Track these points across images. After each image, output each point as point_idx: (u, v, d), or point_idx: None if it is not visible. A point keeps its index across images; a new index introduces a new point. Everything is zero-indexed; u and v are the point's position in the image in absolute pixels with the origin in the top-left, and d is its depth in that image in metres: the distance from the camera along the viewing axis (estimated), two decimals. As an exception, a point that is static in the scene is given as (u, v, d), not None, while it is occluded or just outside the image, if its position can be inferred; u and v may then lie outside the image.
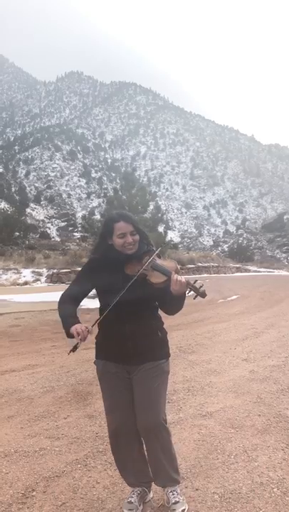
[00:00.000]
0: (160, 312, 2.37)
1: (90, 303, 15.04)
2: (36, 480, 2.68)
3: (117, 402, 2.33)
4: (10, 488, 2.60)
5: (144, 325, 2.27)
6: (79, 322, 2.18)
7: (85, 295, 2.38)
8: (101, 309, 2.33)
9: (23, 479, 2.70)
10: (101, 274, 2.29)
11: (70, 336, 2.16)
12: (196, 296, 2.11)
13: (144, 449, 2.38)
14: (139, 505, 2.36)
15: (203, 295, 2.10)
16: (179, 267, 2.25)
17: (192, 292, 2.12)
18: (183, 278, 2.09)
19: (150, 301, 2.29)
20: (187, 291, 2.11)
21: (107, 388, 2.37)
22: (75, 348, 2.18)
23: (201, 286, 2.09)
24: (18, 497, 2.50)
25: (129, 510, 2.33)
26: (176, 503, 2.28)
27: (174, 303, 2.21)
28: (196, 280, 2.11)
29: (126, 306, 2.18)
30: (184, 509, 2.27)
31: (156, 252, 2.27)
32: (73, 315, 2.25)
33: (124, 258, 2.28)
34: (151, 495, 2.46)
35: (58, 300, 2.36)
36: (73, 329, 2.12)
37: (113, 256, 2.29)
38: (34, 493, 2.54)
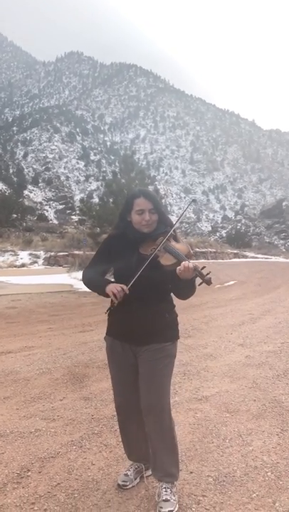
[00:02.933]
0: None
1: (87, 286, 14.89)
2: (31, 460, 2.69)
3: (121, 380, 2.34)
4: (5, 468, 2.61)
5: (153, 306, 2.22)
6: (112, 282, 2.18)
7: (106, 270, 2.36)
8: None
9: (19, 459, 2.71)
10: (117, 250, 2.28)
11: (105, 296, 2.16)
12: (201, 283, 2.08)
13: None
14: (134, 479, 2.41)
15: (208, 282, 2.05)
16: (192, 251, 2.20)
17: (198, 278, 2.08)
18: (191, 264, 2.03)
19: (160, 282, 2.23)
20: (194, 276, 2.07)
21: (113, 367, 2.38)
22: (112, 307, 2.19)
23: (207, 274, 2.05)
24: (13, 477, 2.51)
25: (123, 481, 2.38)
26: (166, 500, 2.16)
27: (183, 287, 2.15)
28: (204, 266, 2.06)
29: (136, 285, 2.14)
30: (172, 510, 2.14)
31: (170, 232, 2.21)
32: (103, 278, 2.26)
33: (140, 236, 2.24)
34: (149, 472, 2.46)
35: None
36: (108, 289, 2.12)
37: (130, 233, 2.27)
38: (29, 473, 2.55)
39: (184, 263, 2.03)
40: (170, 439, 2.29)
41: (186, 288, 2.16)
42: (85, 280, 2.35)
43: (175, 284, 2.16)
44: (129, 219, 2.28)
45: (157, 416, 2.24)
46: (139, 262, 2.15)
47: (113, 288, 2.11)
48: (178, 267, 2.04)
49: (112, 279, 2.28)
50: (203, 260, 35.53)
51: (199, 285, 2.10)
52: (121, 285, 2.11)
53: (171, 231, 2.22)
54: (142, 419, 2.34)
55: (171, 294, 2.31)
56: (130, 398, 2.33)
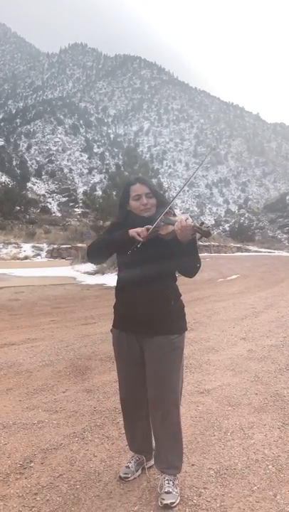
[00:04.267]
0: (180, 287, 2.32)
1: (89, 279, 15.05)
2: (34, 452, 2.71)
3: (127, 374, 2.34)
4: (8, 458, 2.63)
5: (156, 291, 2.20)
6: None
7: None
8: (119, 271, 2.34)
9: (21, 450, 2.73)
10: None
11: (127, 239, 2.14)
12: (200, 237, 2.04)
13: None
14: (136, 471, 2.42)
15: (207, 234, 2.00)
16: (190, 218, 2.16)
17: (198, 235, 2.04)
18: (189, 220, 2.02)
19: (163, 259, 2.17)
20: (192, 234, 2.04)
21: (119, 360, 2.37)
22: (135, 248, 2.14)
23: (206, 226, 2.00)
24: (16, 467, 2.53)
25: (125, 474, 2.39)
26: (168, 492, 2.17)
27: (186, 254, 2.10)
28: (203, 222, 2.03)
29: (138, 268, 2.14)
30: (174, 502, 2.14)
31: (169, 205, 2.22)
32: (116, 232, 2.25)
33: (141, 221, 2.22)
34: (152, 462, 2.47)
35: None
36: (132, 231, 2.13)
37: (131, 219, 2.27)
38: (32, 464, 2.57)
39: (181, 220, 2.01)
40: (176, 433, 2.28)
41: (189, 254, 2.11)
42: (94, 247, 2.32)
43: (178, 253, 2.10)
44: (128, 208, 2.32)
45: (165, 412, 2.22)
46: (141, 244, 2.13)
47: (134, 230, 2.12)
48: (176, 224, 2.03)
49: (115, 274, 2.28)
50: (206, 254, 35.50)
51: (199, 239, 2.07)
52: (141, 228, 2.12)
53: (168, 207, 2.20)
54: (147, 412, 2.34)
55: (176, 278, 2.31)
56: (136, 393, 2.32)
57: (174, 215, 2.24)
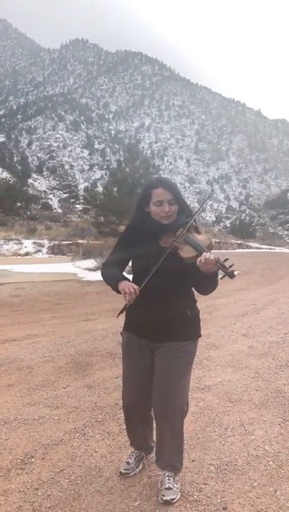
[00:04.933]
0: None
1: (90, 275, 15.02)
2: (35, 447, 2.72)
3: (133, 379, 2.27)
4: (9, 454, 2.63)
5: (172, 301, 2.12)
6: (126, 279, 2.10)
7: (126, 261, 2.27)
8: (134, 278, 2.20)
9: (22, 446, 2.73)
10: (136, 242, 2.18)
11: (118, 292, 2.09)
12: (223, 276, 1.96)
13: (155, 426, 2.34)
14: (136, 467, 2.42)
15: (231, 275, 1.92)
16: (213, 242, 2.08)
17: (221, 271, 1.95)
18: (212, 256, 1.91)
19: (180, 276, 2.10)
20: (215, 270, 1.95)
21: (127, 364, 2.31)
22: (124, 310, 2.12)
23: (230, 266, 1.92)
24: (17, 463, 2.53)
25: (126, 470, 2.39)
26: (168, 488, 2.16)
27: (205, 281, 2.04)
28: (227, 258, 1.93)
29: (155, 279, 2.04)
30: (174, 498, 2.14)
31: (190, 223, 2.09)
32: (119, 274, 2.17)
33: (159, 228, 2.14)
34: (151, 455, 2.47)
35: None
36: (121, 287, 2.04)
37: (149, 225, 2.16)
38: (33, 459, 2.57)
39: (205, 255, 1.92)
40: (179, 437, 2.25)
41: (208, 282, 2.05)
42: (102, 273, 2.28)
43: (196, 277, 2.04)
44: (147, 210, 2.17)
45: (170, 417, 2.19)
46: (158, 255, 2.05)
47: (126, 287, 2.01)
48: (198, 259, 1.93)
49: (130, 276, 2.21)
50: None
51: (222, 278, 1.99)
52: (134, 286, 2.02)
53: (191, 221, 2.10)
54: (150, 415, 2.33)
55: (192, 288, 2.21)
56: (141, 396, 2.26)
57: (198, 231, 2.13)
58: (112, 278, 2.16)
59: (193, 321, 2.23)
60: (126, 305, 2.07)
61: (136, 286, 2.02)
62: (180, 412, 2.21)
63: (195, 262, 1.96)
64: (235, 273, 1.97)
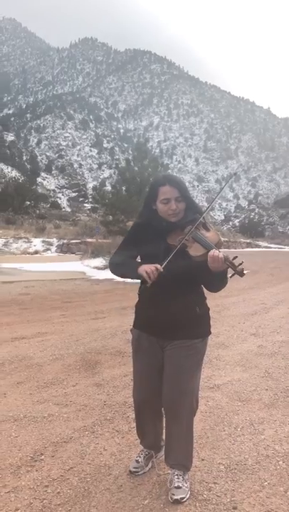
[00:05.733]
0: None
1: (99, 274, 15.06)
2: (45, 445, 2.73)
3: (144, 376, 2.26)
4: (19, 451, 2.64)
5: (181, 298, 2.11)
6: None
7: (134, 258, 2.23)
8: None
9: (32, 443, 2.74)
10: (144, 239, 2.16)
11: (138, 278, 2.05)
12: (233, 274, 1.94)
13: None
14: (146, 466, 2.41)
15: (241, 274, 1.91)
16: (222, 239, 2.06)
17: (230, 269, 1.94)
18: (221, 254, 1.90)
19: (189, 273, 2.07)
20: (224, 268, 1.93)
21: (138, 362, 2.29)
22: (143, 287, 2.08)
23: (240, 264, 1.90)
24: (27, 460, 2.54)
25: (135, 468, 2.39)
26: (178, 488, 2.15)
27: (214, 279, 2.02)
28: (236, 256, 1.90)
29: (163, 276, 2.00)
30: (184, 497, 2.12)
31: (199, 220, 2.06)
32: (134, 260, 2.15)
33: (166, 226, 2.12)
34: (161, 454, 2.46)
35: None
36: (142, 269, 1.99)
37: (156, 222, 2.14)
38: (42, 457, 2.58)
39: (214, 252, 1.91)
40: (188, 435, 2.24)
41: (217, 280, 2.04)
42: (113, 266, 2.24)
43: (205, 275, 2.02)
44: (154, 207, 2.15)
45: (179, 415, 2.18)
46: (166, 253, 2.02)
47: (147, 268, 1.97)
48: (208, 257, 1.91)
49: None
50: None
51: (231, 277, 1.98)
52: (155, 265, 1.98)
53: (201, 219, 2.08)
54: (161, 414, 2.33)
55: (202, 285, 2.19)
56: (151, 394, 2.25)
57: (207, 228, 2.11)
58: (127, 264, 2.14)
59: (202, 319, 2.21)
60: (147, 284, 2.00)
61: (157, 265, 1.98)
62: (189, 409, 2.20)
63: (205, 260, 1.94)
64: (244, 271, 1.94)
